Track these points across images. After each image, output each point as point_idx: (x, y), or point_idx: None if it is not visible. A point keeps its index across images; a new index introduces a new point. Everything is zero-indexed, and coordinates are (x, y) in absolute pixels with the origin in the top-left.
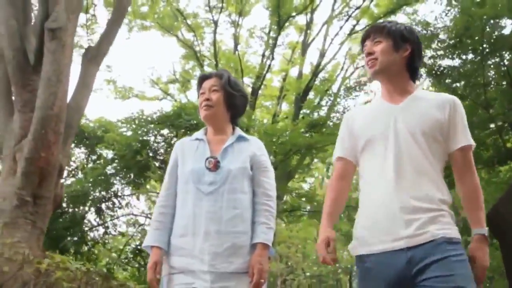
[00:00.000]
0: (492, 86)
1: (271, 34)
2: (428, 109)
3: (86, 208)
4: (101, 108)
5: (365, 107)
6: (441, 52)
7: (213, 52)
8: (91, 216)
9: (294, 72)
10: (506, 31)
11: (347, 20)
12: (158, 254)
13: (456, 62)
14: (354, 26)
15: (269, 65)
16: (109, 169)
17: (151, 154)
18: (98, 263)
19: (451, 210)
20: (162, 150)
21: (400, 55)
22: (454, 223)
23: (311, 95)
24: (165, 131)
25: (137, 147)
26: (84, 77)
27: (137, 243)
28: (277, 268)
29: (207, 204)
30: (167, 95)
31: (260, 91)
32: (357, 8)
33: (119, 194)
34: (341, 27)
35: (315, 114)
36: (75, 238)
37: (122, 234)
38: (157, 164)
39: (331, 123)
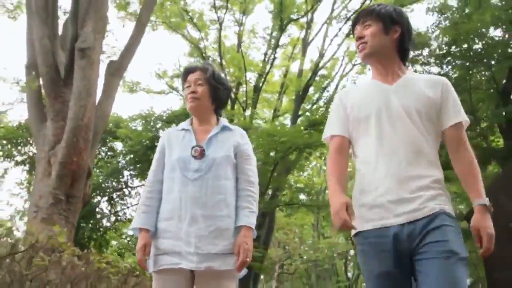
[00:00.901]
0: (478, 90)
1: (273, 34)
2: (422, 89)
3: (99, 198)
4: None
5: (358, 86)
6: (432, 59)
7: (218, 49)
8: (103, 205)
9: (294, 67)
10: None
11: (345, 23)
12: (147, 237)
13: (445, 69)
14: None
15: (271, 64)
16: (120, 162)
17: None
18: (109, 248)
19: (446, 189)
20: None
21: (390, 37)
22: (450, 199)
23: (311, 90)
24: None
25: (148, 143)
26: (108, 89)
27: None
28: (275, 254)
29: (192, 190)
30: (173, 89)
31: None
32: (356, 11)
33: (129, 184)
34: (340, 29)
35: (314, 114)
36: (90, 226)
37: (130, 220)
38: None
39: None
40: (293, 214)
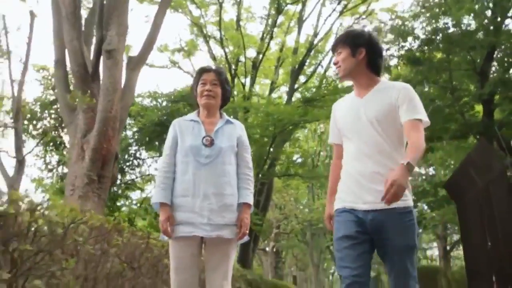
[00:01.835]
0: (459, 71)
1: (272, 11)
2: (383, 100)
3: None
4: None
5: (345, 100)
6: (416, 46)
7: (218, 26)
8: None
9: (290, 40)
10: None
11: (339, 3)
12: (168, 209)
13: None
14: (346, 5)
15: (268, 43)
16: (130, 135)
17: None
18: (121, 213)
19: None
20: None
21: (357, 58)
22: (410, 192)
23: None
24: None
25: (157, 121)
26: (129, 83)
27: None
28: (272, 216)
29: (205, 172)
30: (174, 64)
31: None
32: None
33: (137, 156)
34: (333, 9)
35: (308, 90)
36: None
37: (141, 189)
38: None
39: (322, 98)
40: (289, 183)
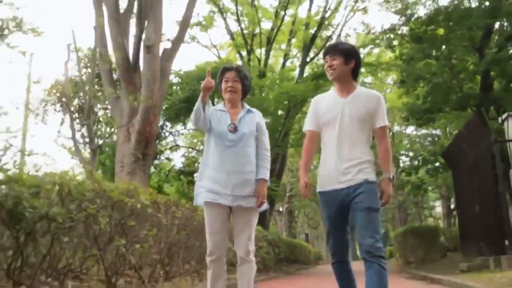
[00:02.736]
0: (459, 47)
1: None
2: (364, 103)
3: None
4: None
5: (326, 96)
6: (418, 26)
7: (235, 2)
8: None
9: (302, 12)
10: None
11: None
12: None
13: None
14: None
15: (282, 19)
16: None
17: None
18: (151, 180)
19: (372, 165)
20: None
21: (348, 67)
22: (373, 171)
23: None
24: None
25: (183, 98)
26: (164, 72)
27: (180, 166)
28: (286, 180)
29: (229, 154)
30: (194, 39)
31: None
32: None
33: (165, 128)
34: None
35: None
36: None
37: (168, 159)
38: None
39: None
40: (298, 151)
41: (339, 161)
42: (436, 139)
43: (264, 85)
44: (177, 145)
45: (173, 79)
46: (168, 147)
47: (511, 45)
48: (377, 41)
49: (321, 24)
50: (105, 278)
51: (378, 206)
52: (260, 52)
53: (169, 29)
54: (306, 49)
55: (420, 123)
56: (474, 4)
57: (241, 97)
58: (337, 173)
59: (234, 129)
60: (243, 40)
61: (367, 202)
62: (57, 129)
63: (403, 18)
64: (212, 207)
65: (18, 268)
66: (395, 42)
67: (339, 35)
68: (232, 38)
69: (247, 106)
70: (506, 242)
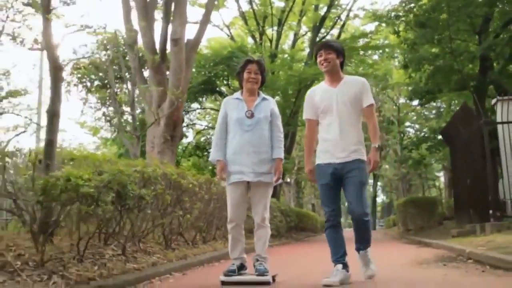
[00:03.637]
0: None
1: None
2: (351, 89)
3: None
4: None
5: (319, 87)
6: (422, 13)
7: None
8: None
9: None
10: None
11: None
12: (222, 162)
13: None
14: None
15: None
16: None
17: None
18: None
19: (363, 145)
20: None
21: (339, 60)
22: (364, 152)
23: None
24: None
25: (201, 81)
26: (188, 62)
27: (195, 142)
28: (295, 154)
29: (247, 137)
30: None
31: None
32: None
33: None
34: None
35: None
36: None
37: (185, 135)
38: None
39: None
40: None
41: (336, 140)
42: (441, 110)
43: (275, 67)
44: (193, 123)
45: None
46: (184, 124)
47: (507, 31)
48: (384, 19)
49: (330, 6)
50: (159, 241)
51: (365, 179)
52: (271, 33)
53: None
54: (316, 30)
55: (422, 102)
56: None
57: (259, 87)
58: (335, 149)
59: (251, 115)
60: (255, 21)
61: (358, 175)
62: (80, 109)
63: (409, 5)
64: (236, 184)
65: (118, 232)
66: (400, 28)
67: (347, 15)
68: (245, 21)
69: (262, 94)
70: (490, 211)
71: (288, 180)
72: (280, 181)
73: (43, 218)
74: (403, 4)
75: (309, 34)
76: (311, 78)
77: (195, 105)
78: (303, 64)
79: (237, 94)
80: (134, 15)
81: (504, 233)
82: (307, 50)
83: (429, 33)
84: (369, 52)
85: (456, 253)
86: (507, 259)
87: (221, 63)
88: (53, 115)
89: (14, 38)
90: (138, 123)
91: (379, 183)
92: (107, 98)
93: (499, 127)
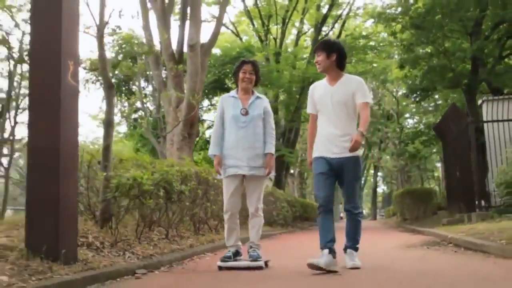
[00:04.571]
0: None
1: None
2: (346, 89)
3: None
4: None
5: (320, 84)
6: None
7: None
8: None
9: None
10: None
11: None
12: (219, 157)
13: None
14: None
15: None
16: None
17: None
18: None
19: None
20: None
21: (330, 60)
22: (360, 150)
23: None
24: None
25: (211, 79)
26: (203, 65)
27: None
28: (298, 147)
29: (242, 133)
30: (214, 17)
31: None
32: None
33: None
34: None
35: None
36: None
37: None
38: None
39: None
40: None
41: (331, 135)
42: (439, 103)
43: (280, 67)
44: (203, 119)
45: None
46: None
47: (498, 31)
48: (383, 15)
49: (332, 6)
50: (189, 228)
51: (359, 176)
52: (276, 31)
53: None
54: (318, 29)
55: (418, 99)
56: None
57: (253, 86)
58: (330, 145)
59: (246, 113)
60: (261, 20)
61: (352, 174)
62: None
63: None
64: (231, 177)
65: (164, 220)
66: (397, 29)
67: (348, 14)
68: (251, 20)
69: (256, 93)
70: (476, 201)
71: (292, 171)
72: (273, 173)
73: (110, 210)
74: (400, 7)
75: (311, 32)
76: (313, 76)
77: (205, 103)
78: (306, 61)
79: (233, 93)
80: (152, 23)
81: (487, 222)
82: (310, 47)
83: (424, 34)
84: (368, 52)
85: (440, 239)
86: (477, 242)
87: (229, 63)
88: (109, 124)
89: None
90: (164, 125)
91: (379, 174)
92: (123, 95)
93: (485, 125)
